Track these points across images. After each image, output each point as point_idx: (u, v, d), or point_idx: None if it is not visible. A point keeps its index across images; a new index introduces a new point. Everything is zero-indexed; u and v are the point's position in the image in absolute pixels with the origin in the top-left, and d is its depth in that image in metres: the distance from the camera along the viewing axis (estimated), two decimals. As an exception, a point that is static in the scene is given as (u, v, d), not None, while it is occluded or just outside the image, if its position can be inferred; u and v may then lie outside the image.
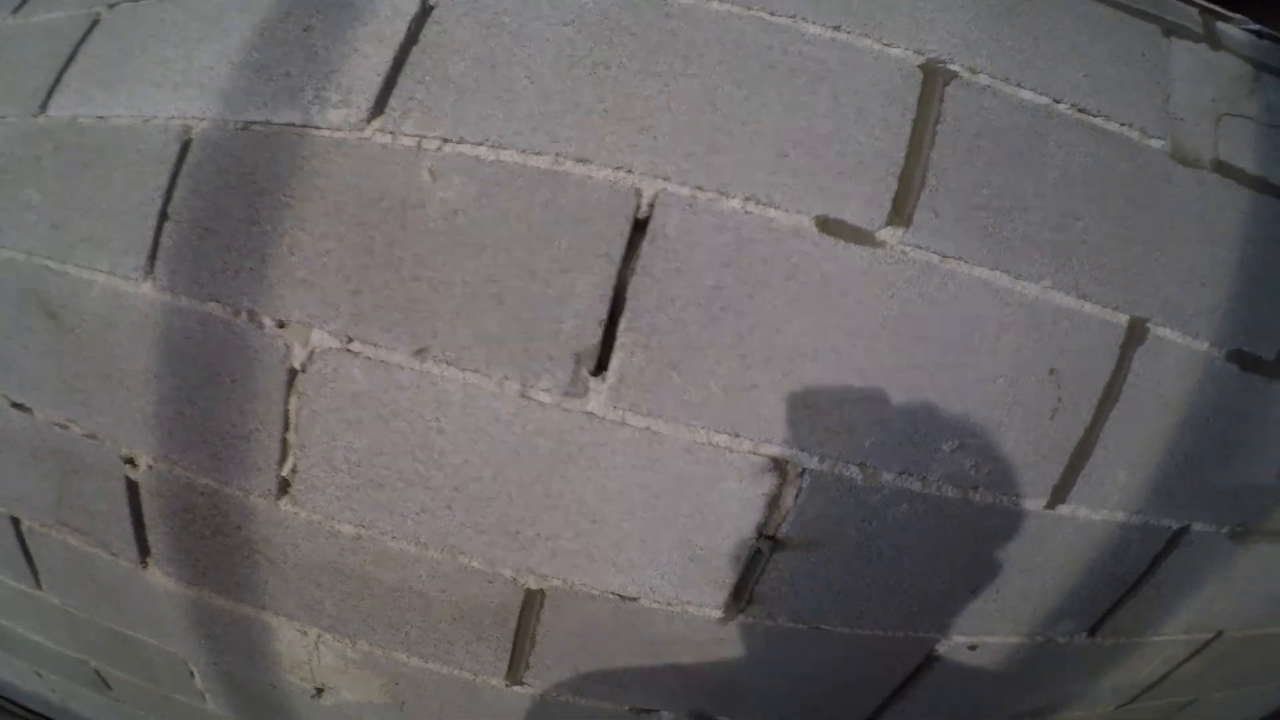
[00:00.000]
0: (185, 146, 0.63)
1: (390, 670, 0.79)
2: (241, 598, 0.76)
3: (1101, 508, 0.66)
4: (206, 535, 0.71)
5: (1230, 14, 0.74)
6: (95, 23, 0.76)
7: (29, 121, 0.74)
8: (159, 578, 0.78)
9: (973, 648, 0.75)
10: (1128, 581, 0.74)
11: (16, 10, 0.86)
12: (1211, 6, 0.74)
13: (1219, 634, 0.86)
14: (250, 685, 0.91)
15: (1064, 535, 0.67)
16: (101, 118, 0.69)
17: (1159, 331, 0.62)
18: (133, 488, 0.72)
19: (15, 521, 0.85)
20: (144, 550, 0.77)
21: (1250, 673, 1.00)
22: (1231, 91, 0.70)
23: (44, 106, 0.73)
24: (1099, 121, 0.62)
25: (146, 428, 0.67)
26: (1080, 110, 0.62)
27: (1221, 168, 0.65)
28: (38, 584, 0.92)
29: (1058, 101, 0.62)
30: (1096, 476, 0.64)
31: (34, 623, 1.03)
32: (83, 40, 0.75)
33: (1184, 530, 0.71)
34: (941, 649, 0.74)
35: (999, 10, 0.64)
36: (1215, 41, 0.72)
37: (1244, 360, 0.65)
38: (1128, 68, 0.65)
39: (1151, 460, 0.65)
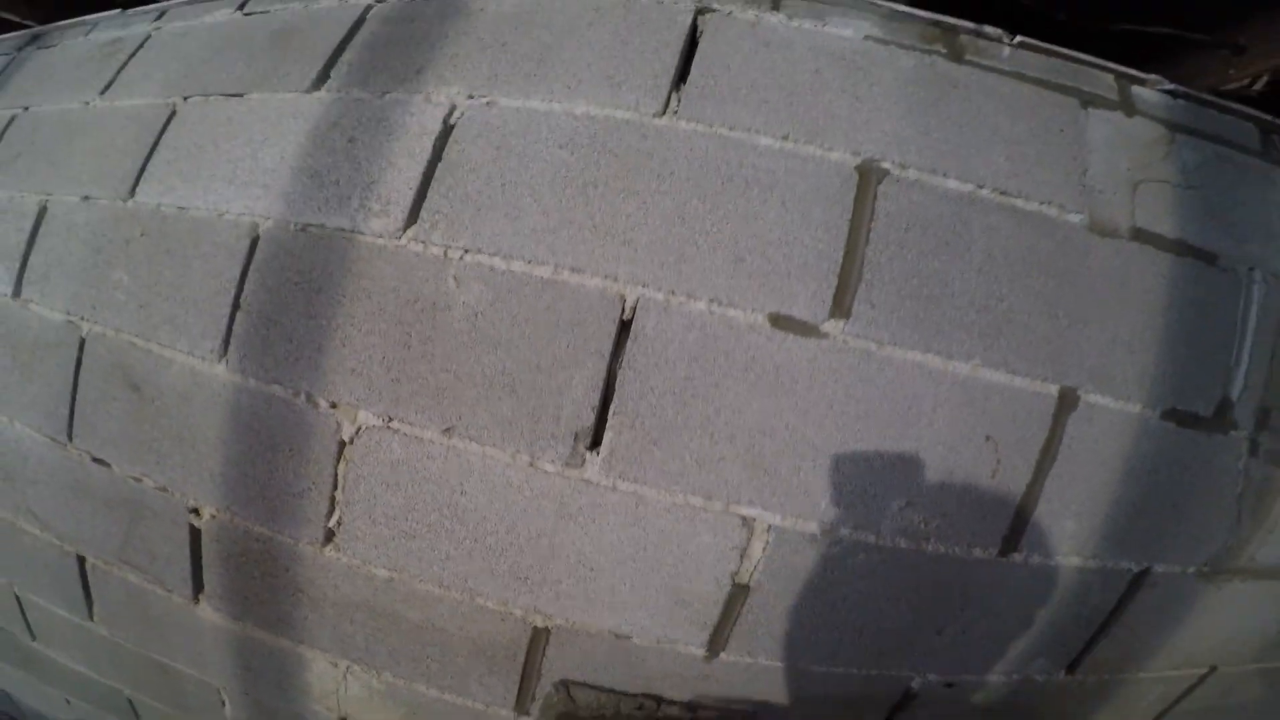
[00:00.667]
0: (254, 243, 0.78)
1: (410, 701, 0.90)
2: (282, 632, 0.89)
3: (1054, 554, 0.75)
4: (257, 576, 0.85)
5: (1145, 76, 0.81)
6: (173, 114, 0.91)
7: (119, 206, 0.90)
8: (208, 613, 0.92)
9: (949, 685, 0.83)
10: (1095, 621, 0.81)
11: (104, 91, 1.02)
12: (1127, 71, 0.81)
13: (1213, 669, 0.91)
14: (277, 714, 1.03)
15: (1020, 580, 0.76)
16: (182, 208, 0.84)
17: (1090, 398, 0.71)
18: (195, 534, 0.86)
19: (81, 560, 0.99)
20: (198, 588, 0.90)
21: (1257, 704, 1.02)
22: (1147, 157, 0.77)
23: (132, 192, 0.89)
24: (1019, 202, 0.72)
25: (213, 484, 0.82)
26: (1002, 193, 0.72)
27: (1139, 235, 0.74)
28: (90, 616, 1.06)
29: (980, 187, 0.72)
30: (1044, 526, 0.73)
31: (78, 653, 1.16)
32: (163, 130, 0.90)
33: (1145, 572, 0.78)
34: (917, 685, 0.82)
35: (927, 102, 0.74)
36: (1131, 107, 0.80)
37: (1180, 418, 0.73)
38: (1047, 145, 0.74)
39: (1099, 510, 0.74)
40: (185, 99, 0.91)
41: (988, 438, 0.71)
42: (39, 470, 0.97)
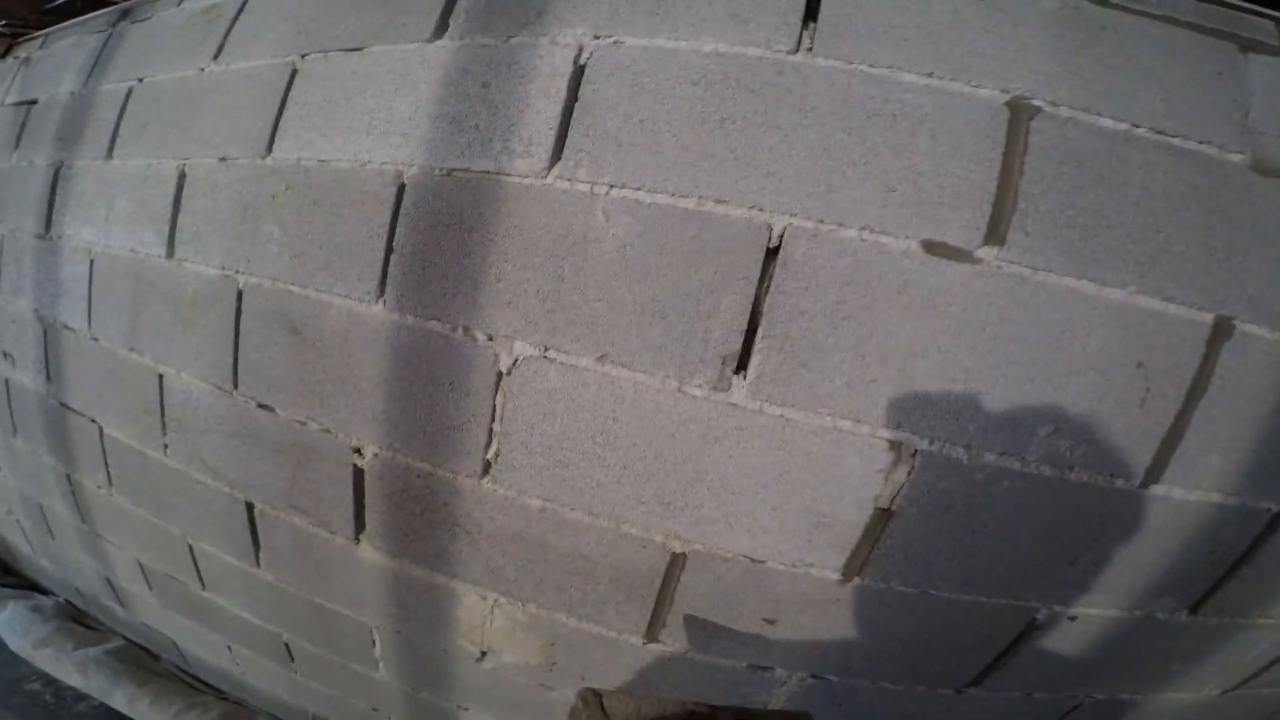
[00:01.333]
0: (401, 189, 0.81)
1: (550, 631, 0.94)
2: (437, 567, 0.94)
3: (1195, 489, 0.72)
4: (416, 512, 0.90)
5: None
6: (295, 72, 0.94)
7: (258, 163, 0.94)
8: (368, 552, 0.98)
9: (1073, 618, 0.82)
10: (1227, 561, 0.78)
11: (216, 57, 1.05)
12: None
13: None
14: (424, 650, 1.09)
15: (1158, 513, 0.74)
16: (323, 160, 0.88)
17: (1245, 328, 0.68)
18: (358, 473, 0.92)
19: (249, 506, 1.07)
20: (360, 527, 0.96)
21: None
22: None
23: (269, 149, 0.93)
24: (1177, 141, 0.69)
25: (375, 422, 0.86)
26: (1159, 133, 0.68)
27: None
28: (258, 562, 1.14)
29: (1136, 126, 0.69)
30: (1189, 459, 0.71)
31: (243, 599, 1.25)
32: (288, 89, 0.93)
33: None
34: (1042, 617, 0.81)
35: (1076, 44, 0.71)
36: None
37: None
38: (1204, 87, 0.70)
39: (1245, 446, 0.71)
40: (303, 57, 0.93)
41: (1139, 364, 0.69)
42: (208, 419, 1.04)
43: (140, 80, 1.16)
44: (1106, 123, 0.69)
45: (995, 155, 0.68)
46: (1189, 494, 0.73)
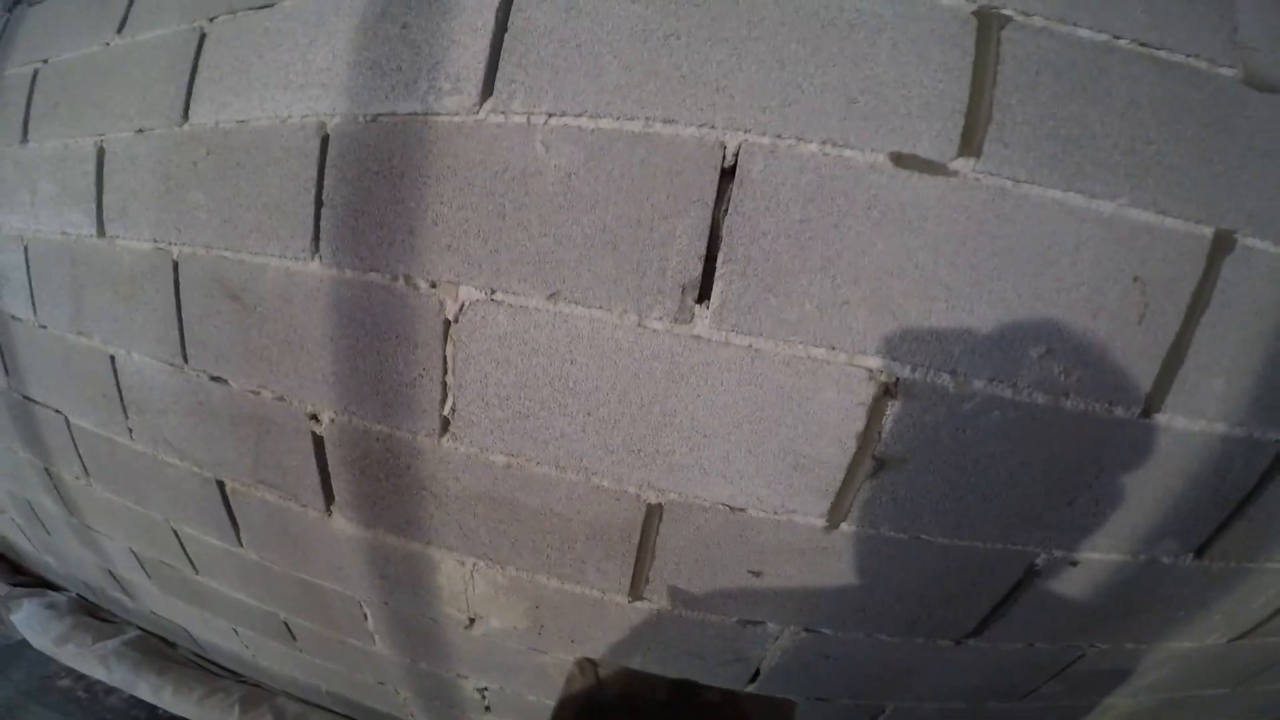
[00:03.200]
0: (325, 141, 0.74)
1: (533, 594, 0.89)
2: (411, 534, 0.89)
3: (1199, 418, 0.66)
4: (381, 478, 0.84)
5: None
6: (204, 36, 0.87)
7: (176, 131, 0.88)
8: (341, 523, 0.93)
9: (1074, 564, 0.76)
10: (1233, 500, 0.72)
11: (120, 30, 0.98)
12: None
13: None
14: (414, 622, 1.05)
15: (1160, 446, 0.67)
16: (241, 121, 0.81)
17: (1248, 241, 0.61)
18: (318, 441, 0.86)
19: (221, 485, 1.02)
20: (329, 498, 0.91)
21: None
22: None
23: (185, 116, 0.86)
24: (1163, 54, 0.62)
25: (326, 385, 0.80)
26: (1142, 44, 0.61)
27: None
28: (239, 541, 1.09)
29: (1118, 38, 0.61)
30: (1191, 384, 0.64)
31: (235, 580, 1.21)
32: (199, 53, 0.86)
33: None
34: (1041, 562, 0.76)
35: None
36: None
37: None
38: (1189, 2, 0.63)
39: (1251, 369, 0.65)
40: (211, 20, 0.86)
41: (1135, 278, 0.62)
42: (164, 398, 0.99)
43: (45, 61, 1.09)
44: (1084, 33, 0.62)
45: (965, 64, 0.60)
46: (1192, 424, 0.67)
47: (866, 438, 0.66)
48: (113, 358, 1.02)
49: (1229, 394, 0.66)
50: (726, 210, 0.62)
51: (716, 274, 0.63)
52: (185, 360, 0.92)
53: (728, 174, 0.62)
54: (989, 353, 0.62)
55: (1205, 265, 0.62)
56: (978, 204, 0.60)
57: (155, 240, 0.90)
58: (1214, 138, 0.61)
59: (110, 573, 1.58)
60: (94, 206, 0.97)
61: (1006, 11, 0.61)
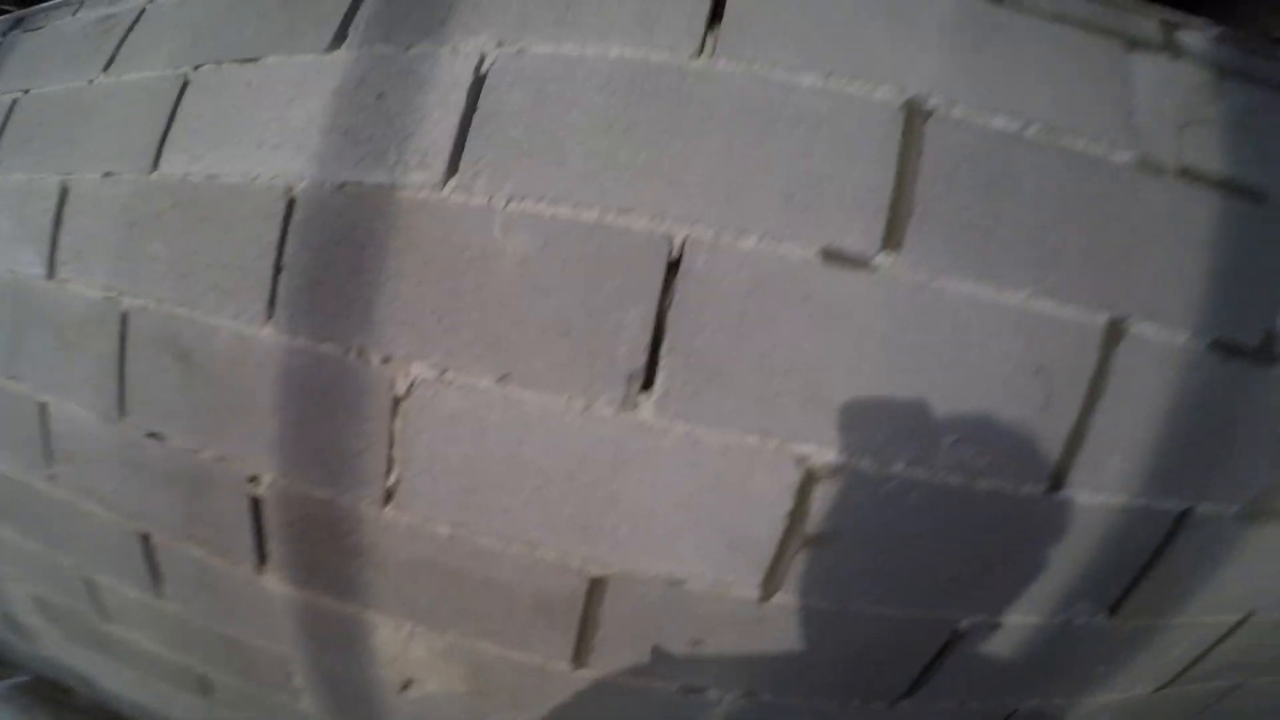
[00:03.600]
0: (291, 204, 0.75)
1: (472, 659, 0.88)
2: (347, 597, 0.87)
3: (1100, 491, 0.72)
4: (320, 541, 0.83)
5: (1190, 20, 0.77)
6: (186, 84, 0.87)
7: (144, 179, 0.87)
8: (274, 583, 0.90)
9: (995, 627, 0.80)
10: (1138, 563, 0.78)
11: (106, 68, 0.98)
12: (1171, 15, 0.77)
13: (1249, 615, 0.88)
14: (345, 682, 1.01)
15: (1066, 517, 0.73)
16: (212, 176, 0.81)
17: (1138, 328, 0.68)
18: (255, 502, 0.84)
19: (145, 537, 0.98)
20: (262, 558, 0.89)
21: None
22: (1194, 100, 0.74)
23: (155, 164, 0.86)
24: (1067, 141, 0.68)
25: (270, 449, 0.80)
26: (1049, 131, 0.68)
27: (1187, 173, 0.70)
28: (159, 594, 1.04)
29: (1028, 125, 0.68)
30: (1092, 462, 0.70)
31: (150, 631, 1.14)
32: (179, 101, 0.87)
33: (1187, 512, 0.75)
34: (965, 627, 0.79)
35: (971, 42, 0.71)
36: (1176, 51, 0.75)
37: (1227, 348, 0.70)
38: (1093, 85, 0.71)
39: (1144, 446, 0.71)
40: (196, 68, 0.87)
41: (1039, 369, 0.68)
42: (96, 449, 0.95)
43: (26, 91, 1.07)
44: (999, 122, 0.68)
45: (891, 158, 0.66)
46: (1094, 496, 0.72)
47: (796, 517, 0.70)
48: (44, 405, 0.98)
49: (1127, 469, 0.72)
50: (671, 303, 0.66)
51: (660, 364, 0.66)
52: (122, 414, 0.90)
53: (674, 266, 0.66)
54: (907, 439, 0.67)
55: (1099, 355, 0.68)
56: (898, 299, 0.65)
57: (107, 289, 0.88)
58: (1109, 225, 0.68)
59: (6, 614, 1.47)
60: (48, 247, 0.94)
61: (932, 103, 0.68)
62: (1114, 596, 0.81)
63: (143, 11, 1.01)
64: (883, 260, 0.66)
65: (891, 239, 0.66)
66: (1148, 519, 0.75)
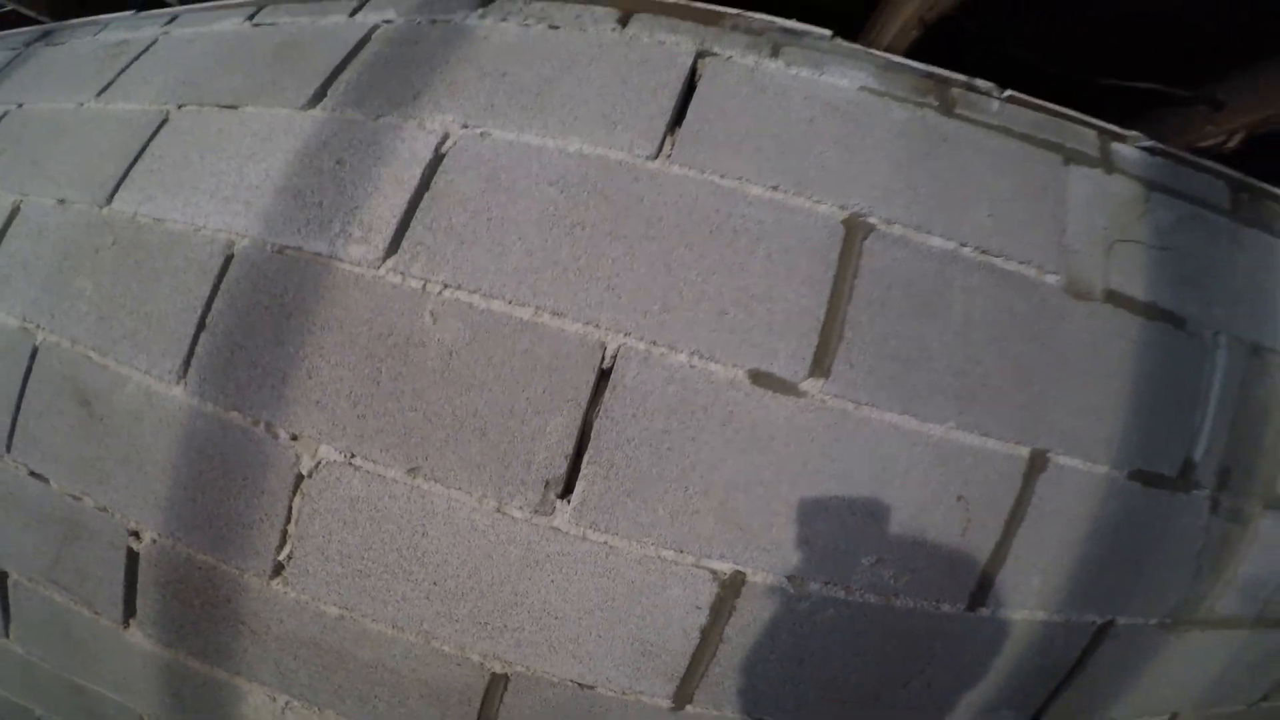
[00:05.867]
0: (227, 261, 0.80)
1: None
2: (218, 663, 0.90)
3: (1020, 609, 0.81)
4: (196, 605, 0.87)
5: (1125, 133, 0.87)
6: (165, 121, 0.94)
7: (94, 212, 0.92)
8: (138, 638, 0.93)
9: None
10: (1060, 673, 0.88)
11: (100, 94, 1.05)
12: (1108, 127, 0.87)
13: (1173, 716, 0.99)
14: None
15: (986, 634, 0.82)
16: (159, 219, 0.86)
17: (1059, 460, 0.77)
18: (132, 557, 0.87)
19: (3, 575, 1.00)
20: (130, 612, 0.91)
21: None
22: (1124, 216, 0.84)
23: (110, 199, 0.91)
24: (999, 262, 0.77)
25: (158, 508, 0.83)
26: (983, 252, 0.77)
27: (1113, 297, 0.80)
28: (6, 633, 1.06)
29: (963, 245, 0.77)
30: (1011, 582, 0.80)
31: None
32: (152, 138, 0.93)
33: (1109, 624, 0.85)
34: None
35: (916, 156, 0.80)
36: (1110, 165, 0.86)
37: (1146, 478, 0.80)
38: (1030, 202, 0.80)
39: (1065, 567, 0.81)
40: (180, 107, 0.93)
41: (959, 497, 0.77)
42: None
43: (19, 105, 1.12)
44: (936, 241, 0.77)
45: (827, 278, 0.75)
46: (1014, 613, 0.82)
47: (709, 630, 0.77)
48: None
49: (1046, 588, 0.81)
50: (598, 412, 0.73)
51: (581, 472, 0.74)
52: (8, 449, 0.92)
53: (604, 374, 0.73)
54: (824, 560, 0.76)
55: (1021, 484, 0.78)
56: (821, 426, 0.74)
57: (25, 319, 0.91)
58: (1035, 353, 0.77)
59: None
60: None
61: (872, 219, 0.77)
62: (1037, 704, 0.90)
63: (155, 42, 1.08)
64: (809, 386, 0.74)
65: (820, 365, 0.74)
66: (1069, 632, 0.85)
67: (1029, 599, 0.82)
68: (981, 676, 0.86)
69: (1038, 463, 0.78)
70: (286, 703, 0.92)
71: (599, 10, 0.88)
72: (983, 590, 0.80)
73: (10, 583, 1.01)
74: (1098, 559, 0.81)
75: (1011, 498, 0.78)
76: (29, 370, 0.90)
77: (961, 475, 0.77)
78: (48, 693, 1.12)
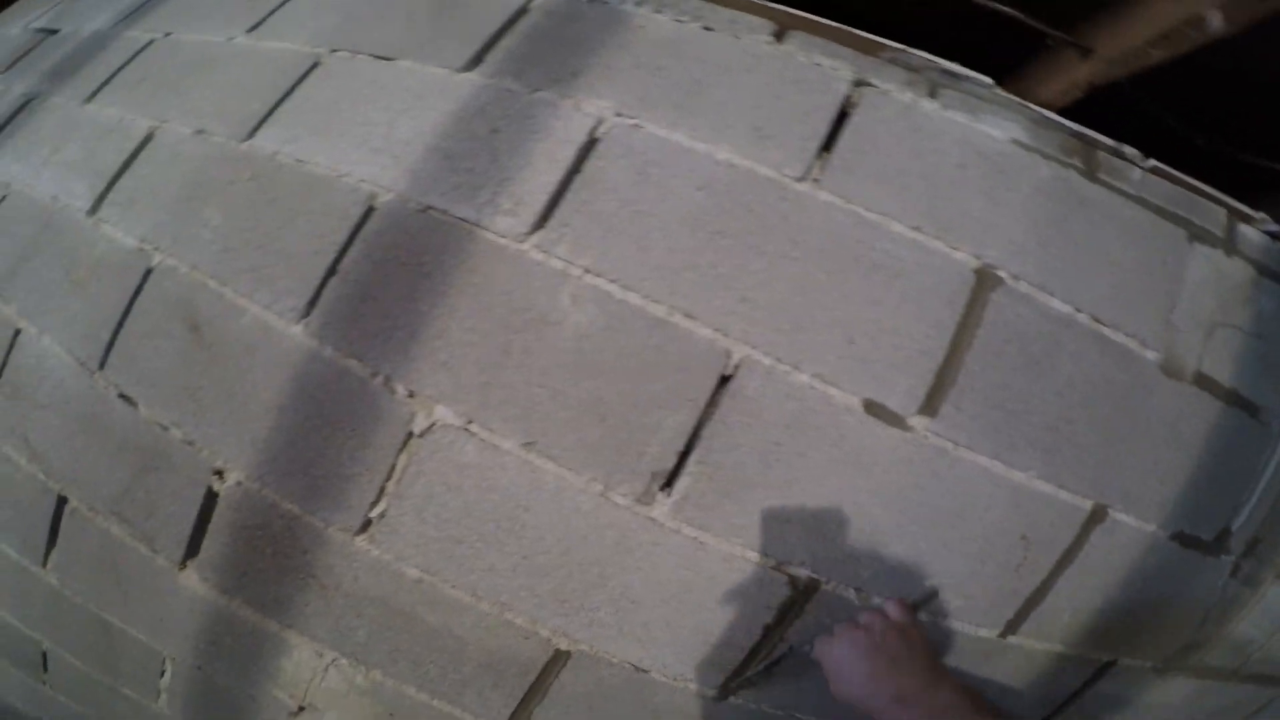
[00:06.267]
0: (368, 211, 0.83)
1: (392, 702, 0.95)
2: (272, 614, 0.93)
3: (1045, 640, 0.89)
4: (267, 553, 0.89)
5: (1253, 214, 0.90)
6: (316, 64, 0.95)
7: (233, 145, 0.94)
8: (193, 580, 0.95)
9: None
10: (1056, 702, 0.96)
11: (251, 30, 1.06)
12: (1238, 207, 0.90)
13: None
14: (225, 693, 1.06)
15: (1010, 658, 0.89)
16: (300, 160, 0.88)
17: (1116, 515, 0.84)
18: (210, 497, 0.89)
19: (62, 500, 1.00)
20: (191, 553, 0.93)
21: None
22: (1230, 299, 0.88)
23: (252, 134, 0.93)
24: (1109, 332, 0.82)
25: (252, 448, 0.85)
26: (1097, 320, 0.82)
27: (1201, 380, 0.86)
28: (43, 561, 1.06)
29: (1079, 310, 0.81)
30: (1045, 617, 0.87)
31: (8, 598, 1.16)
32: (301, 79, 0.94)
33: (1112, 663, 0.93)
34: None
35: (1053, 216, 0.84)
36: (1231, 246, 0.90)
37: (1185, 540, 0.87)
38: (1149, 277, 0.84)
39: (1093, 607, 0.88)
40: (332, 51, 0.94)
41: (1023, 537, 0.84)
42: (54, 394, 0.98)
43: (166, 35, 1.13)
44: (1056, 304, 0.82)
45: (951, 324, 0.80)
46: (1039, 644, 0.89)
47: (772, 630, 0.83)
48: (18, 330, 1.01)
49: (1073, 624, 0.89)
50: (712, 415, 0.78)
51: (685, 469, 0.78)
52: (101, 366, 0.93)
53: (724, 380, 0.78)
54: (891, 578, 0.82)
55: (1079, 532, 0.84)
56: (920, 459, 0.79)
57: (143, 240, 0.93)
58: (1120, 420, 0.83)
59: None
60: (104, 185, 0.99)
61: (1001, 273, 0.81)
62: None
63: (310, -16, 1.07)
64: (916, 422, 0.80)
65: (930, 404, 0.80)
66: (1078, 665, 0.93)
67: (1054, 633, 0.89)
68: (996, 692, 0.93)
69: (1097, 515, 0.84)
70: (334, 659, 0.95)
71: (754, 20, 0.91)
72: (1019, 620, 0.87)
73: (68, 509, 1.01)
74: (1122, 604, 0.89)
75: (1068, 542, 0.85)
76: (138, 289, 0.92)
77: (1030, 518, 0.83)
78: (69, 628, 1.13)
